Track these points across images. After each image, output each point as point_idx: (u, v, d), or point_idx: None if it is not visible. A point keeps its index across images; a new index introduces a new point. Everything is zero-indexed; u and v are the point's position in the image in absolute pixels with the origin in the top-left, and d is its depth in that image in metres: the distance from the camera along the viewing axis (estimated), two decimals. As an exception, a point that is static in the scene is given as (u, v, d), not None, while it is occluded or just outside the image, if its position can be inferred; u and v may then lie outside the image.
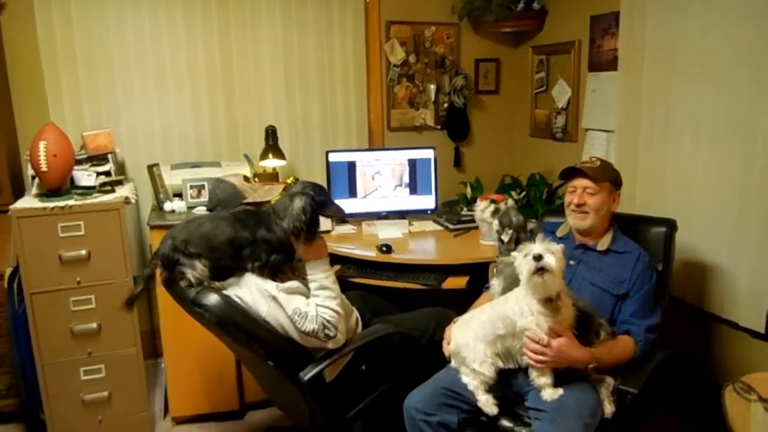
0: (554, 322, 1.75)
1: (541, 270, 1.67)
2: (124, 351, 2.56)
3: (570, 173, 2.07)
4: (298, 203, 1.92)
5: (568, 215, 2.08)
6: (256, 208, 2.01)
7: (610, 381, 1.83)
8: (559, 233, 2.14)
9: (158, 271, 1.97)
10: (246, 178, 2.28)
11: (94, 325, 2.50)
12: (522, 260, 1.73)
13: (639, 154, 2.67)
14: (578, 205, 2.03)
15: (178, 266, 1.89)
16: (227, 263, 1.94)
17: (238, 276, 1.96)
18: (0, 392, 2.62)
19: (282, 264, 1.96)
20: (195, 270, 1.87)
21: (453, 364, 1.95)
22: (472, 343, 1.88)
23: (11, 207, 2.39)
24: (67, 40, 2.88)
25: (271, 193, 2.03)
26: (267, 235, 1.93)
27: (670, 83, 2.49)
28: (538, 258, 1.67)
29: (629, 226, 2.15)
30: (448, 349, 1.98)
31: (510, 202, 2.09)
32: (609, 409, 1.79)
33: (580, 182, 2.03)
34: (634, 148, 2.68)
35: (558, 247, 1.73)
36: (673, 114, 2.50)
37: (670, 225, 2.17)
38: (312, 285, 1.95)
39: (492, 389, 1.84)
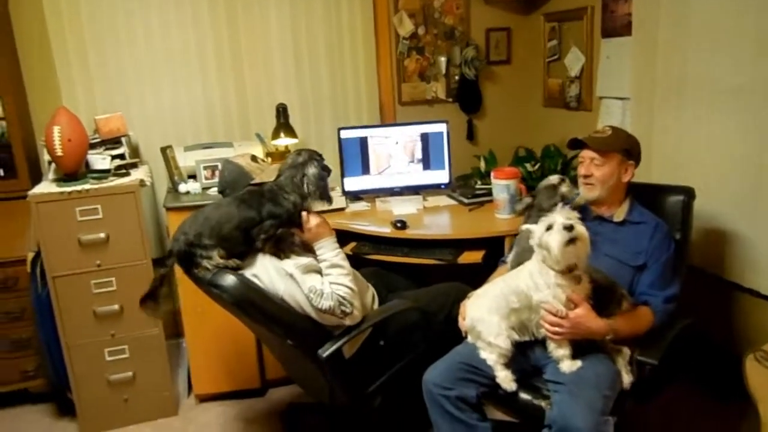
0: (571, 292, 1.75)
1: (573, 240, 1.68)
2: (146, 332, 2.60)
3: (577, 144, 2.05)
4: (313, 170, 1.95)
5: (579, 186, 2.07)
6: (261, 186, 2.03)
7: (626, 351, 1.83)
8: (574, 205, 2.11)
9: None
10: (254, 158, 2.27)
11: (116, 306, 2.54)
12: (545, 233, 1.72)
13: (654, 121, 2.62)
14: (585, 176, 2.02)
15: (196, 259, 1.91)
16: (242, 248, 1.96)
17: (252, 256, 1.98)
18: (29, 373, 2.69)
19: (290, 237, 1.97)
20: (212, 260, 1.90)
21: (469, 339, 1.96)
22: (486, 316, 1.88)
23: (29, 193, 2.42)
24: (76, 24, 2.88)
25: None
26: (274, 210, 1.94)
27: (686, 47, 2.43)
28: (569, 228, 1.68)
29: (646, 195, 2.13)
30: (463, 324, 1.99)
31: (563, 189, 2.07)
32: (627, 379, 1.80)
33: (587, 153, 2.02)
34: (649, 116, 2.63)
35: (576, 214, 1.74)
36: (690, 79, 2.44)
37: (688, 193, 2.13)
38: (323, 264, 1.96)
39: (510, 364, 1.85)
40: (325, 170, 2.04)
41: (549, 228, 1.72)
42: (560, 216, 1.72)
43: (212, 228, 1.92)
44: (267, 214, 1.94)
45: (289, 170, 2.00)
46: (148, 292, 1.97)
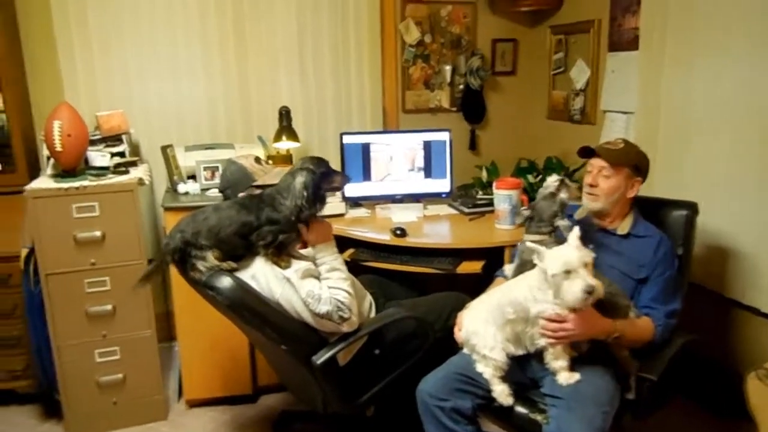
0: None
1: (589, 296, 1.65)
2: (138, 333, 2.56)
3: (588, 153, 2.02)
4: (299, 179, 1.91)
5: (583, 196, 2.04)
6: (261, 190, 2.00)
7: (637, 365, 1.79)
8: (578, 216, 2.09)
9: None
10: (257, 160, 2.25)
11: (109, 307, 2.50)
12: (562, 275, 1.66)
13: (659, 136, 2.60)
14: (590, 186, 1.99)
15: (191, 259, 1.88)
16: (240, 252, 1.93)
17: (250, 259, 1.95)
18: (17, 373, 2.64)
19: (289, 243, 1.94)
20: (207, 261, 1.87)
21: (465, 350, 1.92)
22: (482, 329, 1.85)
23: (26, 187, 2.39)
24: (81, 19, 2.86)
25: (282, 176, 2.00)
26: (272, 215, 1.90)
27: (693, 63, 2.42)
28: (590, 291, 1.63)
29: (649, 209, 2.10)
30: (459, 335, 1.95)
31: (562, 195, 1.99)
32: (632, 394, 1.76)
33: (597, 162, 1.99)
34: (654, 130, 2.62)
35: (589, 252, 1.69)
36: (695, 94, 2.43)
37: (692, 208, 2.11)
38: (322, 268, 1.93)
39: (507, 377, 1.81)
40: (321, 178, 1.95)
41: (567, 272, 1.65)
42: (582, 267, 1.65)
43: (210, 229, 1.89)
44: (265, 219, 1.91)
45: (286, 176, 1.98)
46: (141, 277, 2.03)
